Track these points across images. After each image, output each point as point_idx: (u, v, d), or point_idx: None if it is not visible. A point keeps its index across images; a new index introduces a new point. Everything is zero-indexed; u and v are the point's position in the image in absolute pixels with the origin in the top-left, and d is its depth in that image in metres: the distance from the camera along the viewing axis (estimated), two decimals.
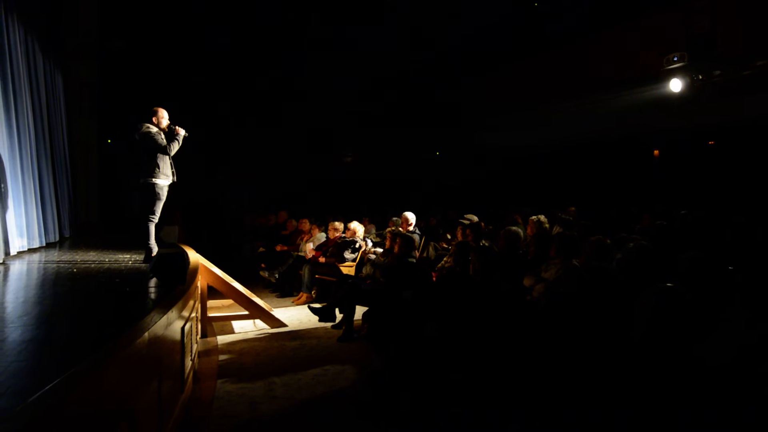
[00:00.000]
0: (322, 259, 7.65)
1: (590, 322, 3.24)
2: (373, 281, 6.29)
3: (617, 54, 9.14)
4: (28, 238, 6.24)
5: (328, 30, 12.32)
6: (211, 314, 6.25)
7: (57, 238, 7.50)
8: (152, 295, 3.84)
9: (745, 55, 7.08)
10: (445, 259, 6.22)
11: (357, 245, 7.56)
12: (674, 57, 7.46)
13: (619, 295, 3.31)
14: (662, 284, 2.87)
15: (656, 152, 11.80)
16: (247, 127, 14.10)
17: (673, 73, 7.59)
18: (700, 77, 7.44)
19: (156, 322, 2.70)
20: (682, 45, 7.56)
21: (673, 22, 7.99)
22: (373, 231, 9.32)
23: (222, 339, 5.78)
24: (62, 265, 5.30)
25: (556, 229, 6.32)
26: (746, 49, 7.09)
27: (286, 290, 8.38)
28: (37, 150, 6.89)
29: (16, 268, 5.10)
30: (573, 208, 8.45)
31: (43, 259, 5.78)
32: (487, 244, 5.63)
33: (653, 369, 2.63)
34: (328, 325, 6.12)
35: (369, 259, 7.00)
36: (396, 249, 5.98)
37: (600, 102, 9.39)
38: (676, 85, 7.56)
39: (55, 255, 6.25)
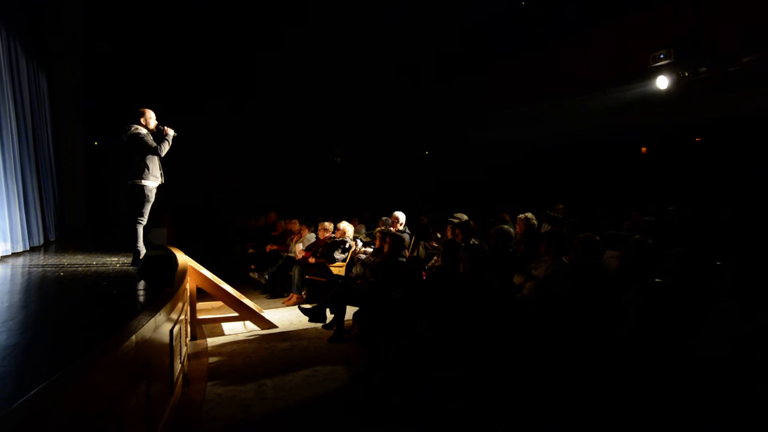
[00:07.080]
0: (312, 260, 7.62)
1: (580, 319, 3.25)
2: (363, 281, 6.27)
3: (604, 52, 9.19)
4: (12, 242, 6.16)
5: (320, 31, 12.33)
6: (200, 316, 6.21)
7: (41, 242, 7.40)
8: (140, 298, 3.80)
9: (731, 51, 7.14)
10: (435, 258, 6.22)
11: (347, 245, 7.54)
12: (660, 54, 7.51)
13: (609, 291, 3.32)
14: (650, 280, 2.89)
15: (644, 149, 11.89)
16: (236, 126, 14.02)
17: (659, 71, 7.64)
18: (686, 74, 7.49)
19: (144, 325, 2.68)
20: (669, 42, 7.61)
21: (661, 19, 8.04)
22: (363, 231, 9.30)
23: (212, 341, 5.74)
24: (48, 268, 5.23)
25: (545, 227, 6.34)
26: (732, 46, 7.15)
27: (276, 291, 8.34)
28: (20, 152, 6.79)
29: (0, 272, 5.03)
30: (561, 206, 8.49)
31: (28, 263, 5.70)
32: (477, 243, 5.63)
33: (643, 364, 2.64)
34: (319, 325, 6.10)
35: (359, 259, 6.98)
36: (386, 248, 5.97)
37: (587, 100, 9.43)
38: (662, 82, 7.61)
39: (40, 259, 6.17)
